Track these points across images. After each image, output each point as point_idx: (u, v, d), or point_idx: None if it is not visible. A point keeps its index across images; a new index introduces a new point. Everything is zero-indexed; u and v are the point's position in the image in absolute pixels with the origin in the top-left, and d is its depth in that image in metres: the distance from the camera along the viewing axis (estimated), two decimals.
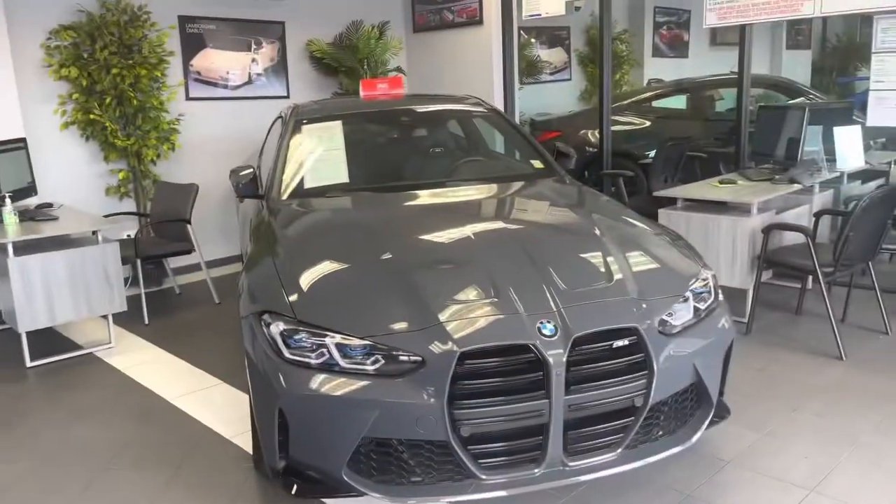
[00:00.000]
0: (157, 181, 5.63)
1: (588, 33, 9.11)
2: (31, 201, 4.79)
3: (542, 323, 2.34)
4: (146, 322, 4.84)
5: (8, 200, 4.15)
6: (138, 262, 4.87)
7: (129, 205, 5.66)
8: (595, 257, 2.70)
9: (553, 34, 8.90)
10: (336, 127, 3.97)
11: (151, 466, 3.00)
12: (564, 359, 2.27)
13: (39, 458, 3.11)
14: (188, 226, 5.06)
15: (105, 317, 4.40)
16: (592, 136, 6.88)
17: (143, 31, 5.38)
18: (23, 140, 4.78)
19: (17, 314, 3.96)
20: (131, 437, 3.28)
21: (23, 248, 3.97)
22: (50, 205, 4.76)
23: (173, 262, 5.66)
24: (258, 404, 2.56)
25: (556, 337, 2.30)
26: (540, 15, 5.87)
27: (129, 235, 5.36)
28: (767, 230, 4.02)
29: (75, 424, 3.42)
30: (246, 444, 3.13)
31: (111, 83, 5.19)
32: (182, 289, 5.66)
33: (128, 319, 4.78)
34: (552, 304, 2.41)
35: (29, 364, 4.14)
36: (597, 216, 3.11)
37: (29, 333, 4.11)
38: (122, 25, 5.25)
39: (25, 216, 4.30)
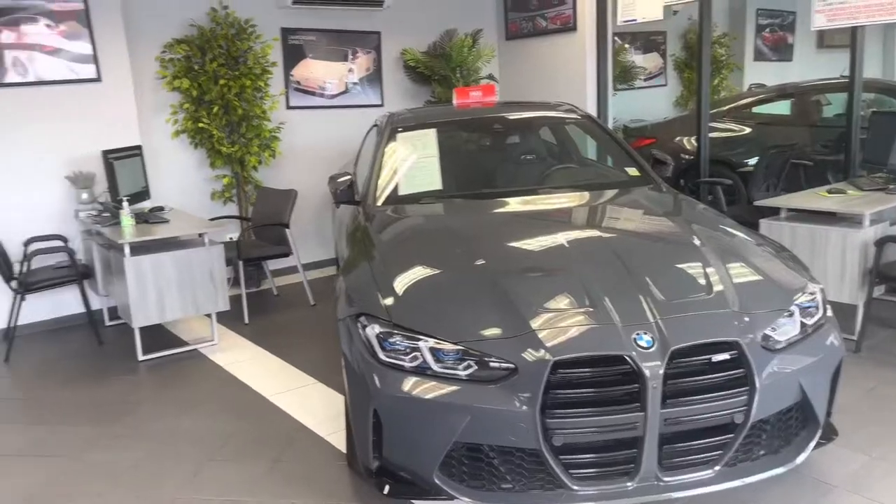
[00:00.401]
0: (258, 187, 5.88)
1: (685, 37, 8.87)
2: (145, 205, 5.10)
3: (638, 334, 2.30)
4: (246, 321, 5.06)
5: (125, 204, 4.44)
6: (240, 263, 5.10)
7: (232, 209, 5.93)
8: (694, 268, 2.63)
9: (648, 39, 8.71)
10: (430, 135, 4.03)
11: (252, 459, 3.14)
12: (661, 371, 2.23)
13: (151, 447, 3.31)
14: (286, 230, 5.26)
15: (209, 315, 4.63)
16: (688, 143, 6.69)
17: (249, 43, 5.64)
18: (139, 147, 5.11)
19: (131, 310, 4.23)
20: (232, 430, 3.43)
21: (138, 249, 4.24)
22: (161, 208, 5.05)
23: (271, 265, 5.89)
24: (354, 404, 2.63)
25: (653, 349, 2.26)
26: (636, 20, 5.77)
27: (231, 238, 5.62)
28: (881, 243, 3.80)
29: (182, 416, 3.62)
30: (339, 442, 3.22)
31: (218, 93, 5.47)
32: (279, 290, 5.88)
33: (229, 318, 5.01)
34: (649, 314, 2.37)
35: (141, 357, 4.41)
36: (696, 226, 3.03)
37: (141, 329, 4.38)
38: (230, 38, 5.53)
39: (140, 218, 4.58)
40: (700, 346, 2.32)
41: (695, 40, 6.62)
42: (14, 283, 4.49)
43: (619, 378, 2.28)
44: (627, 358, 2.25)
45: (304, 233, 6.17)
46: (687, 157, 6.61)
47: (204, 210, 5.71)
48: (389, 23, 6.58)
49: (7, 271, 4.48)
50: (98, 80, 5.05)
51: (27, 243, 4.76)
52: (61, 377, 4.23)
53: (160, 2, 5.46)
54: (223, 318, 4.87)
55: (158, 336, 4.75)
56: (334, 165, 6.18)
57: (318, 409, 3.62)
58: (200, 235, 4.48)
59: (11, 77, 4.79)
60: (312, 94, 6.35)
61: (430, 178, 3.78)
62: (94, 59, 5.03)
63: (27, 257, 4.55)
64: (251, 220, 5.67)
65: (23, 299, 4.60)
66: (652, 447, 2.27)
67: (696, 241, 2.83)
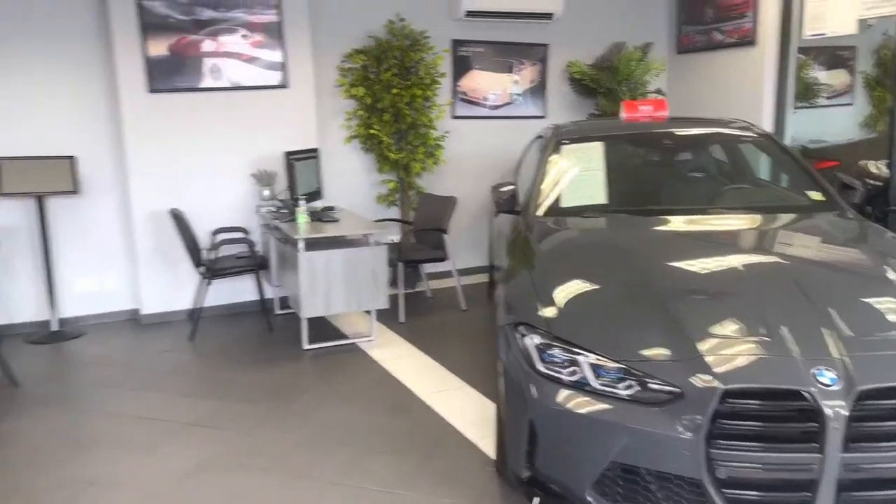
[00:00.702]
0: (419, 192, 6.09)
1: (879, 53, 8.14)
2: (317, 204, 5.44)
3: (819, 369, 2.15)
4: (401, 320, 5.25)
5: (302, 202, 4.76)
6: (399, 265, 5.31)
7: (394, 212, 6.19)
8: (888, 304, 2.42)
9: (835, 54, 8.08)
10: (596, 148, 4.00)
11: (404, 454, 3.25)
12: (846, 413, 2.07)
13: (313, 431, 3.53)
14: (444, 235, 5.40)
15: (368, 312, 4.86)
16: (875, 167, 6.13)
17: (422, 54, 5.86)
18: (315, 150, 5.47)
19: (301, 302, 4.53)
20: (387, 423, 3.58)
21: (311, 245, 4.53)
22: (332, 208, 5.36)
23: (427, 268, 6.07)
24: (509, 412, 2.66)
25: (836, 387, 2.10)
26: (825, 34, 5.39)
27: (392, 240, 5.86)
28: None
29: (342, 405, 3.82)
30: (488, 447, 3.26)
31: (390, 101, 5.73)
32: (432, 293, 6.04)
33: (386, 316, 5.23)
34: (833, 349, 2.21)
35: (305, 346, 4.70)
36: (891, 258, 2.78)
37: (307, 319, 4.67)
38: (405, 49, 5.78)
39: (314, 217, 4.90)
40: (893, 388, 2.12)
41: (889, 56, 6.07)
42: (202, 269, 4.95)
43: (795, 415, 2.14)
44: (806, 394, 2.11)
45: (459, 239, 6.30)
46: (873, 182, 6.06)
47: (368, 212, 6.00)
48: (558, 35, 6.58)
49: (197, 257, 4.95)
50: (285, 86, 5.47)
51: (215, 233, 5.25)
52: (236, 358, 4.61)
53: (343, 15, 5.82)
54: (380, 315, 5.09)
55: (321, 328, 5.04)
56: (492, 175, 6.28)
57: (467, 412, 3.68)
58: (366, 236, 4.71)
59: (209, 82, 5.29)
60: (476, 104, 6.49)
61: (594, 191, 3.75)
62: (283, 66, 5.45)
63: (215, 246, 5.00)
64: (412, 224, 5.88)
65: (209, 284, 5.06)
66: (828, 493, 2.11)
67: (891, 275, 2.60)
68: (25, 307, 5.16)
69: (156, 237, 5.30)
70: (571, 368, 2.42)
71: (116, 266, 5.40)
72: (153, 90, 5.12)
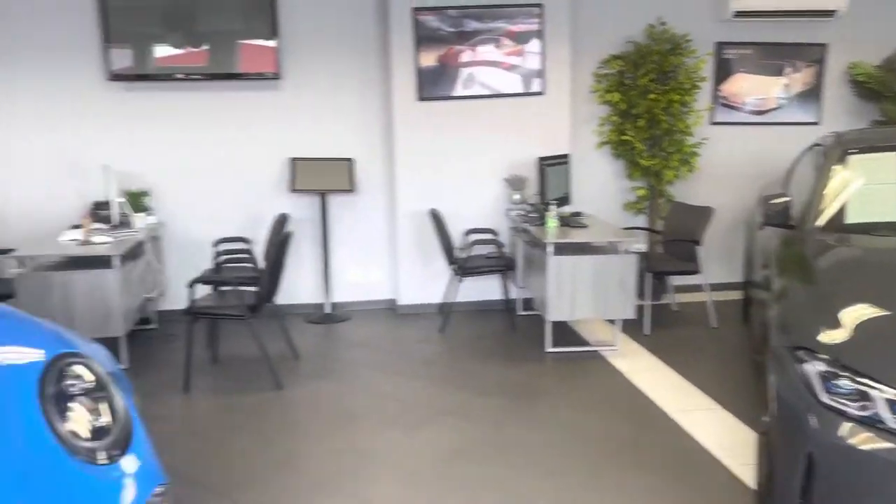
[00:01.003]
0: (669, 200, 5.88)
1: None
2: (565, 209, 5.48)
3: None
4: (646, 332, 5.11)
5: (552, 207, 4.84)
6: (648, 275, 5.17)
7: (641, 220, 6.03)
8: None
9: None
10: (893, 159, 3.56)
11: (651, 470, 3.16)
12: None
13: (557, 433, 3.57)
14: (697, 247, 5.15)
15: (612, 321, 4.80)
16: None
17: (682, 58, 5.65)
18: (567, 156, 5.52)
19: (547, 304, 4.60)
20: (631, 436, 3.51)
21: (560, 249, 4.58)
22: (580, 213, 5.38)
23: (674, 280, 5.83)
24: (782, 442, 2.47)
25: None
26: None
27: (639, 249, 5.71)
28: None
29: (584, 411, 3.82)
30: (745, 475, 3.06)
31: (646, 107, 5.60)
32: (679, 307, 5.80)
33: (630, 327, 5.11)
34: None
35: (548, 349, 4.77)
36: None
37: (552, 323, 4.74)
38: (664, 54, 5.61)
39: (563, 221, 4.95)
40: None
41: None
42: (455, 266, 5.24)
43: None
44: None
45: (710, 252, 5.97)
46: None
47: (614, 218, 5.91)
48: (839, 34, 5.96)
49: (451, 255, 5.25)
50: (542, 93, 5.60)
51: (467, 233, 5.52)
52: (481, 353, 4.81)
53: (602, 21, 5.80)
54: (624, 325, 4.99)
55: (562, 332, 5.06)
56: (751, 185, 5.85)
57: (720, 434, 3.48)
58: (613, 243, 4.66)
59: (465, 90, 5.55)
60: (737, 109, 6.11)
61: (888, 207, 3.35)
62: (541, 74, 5.57)
63: (467, 245, 5.27)
64: (662, 234, 5.69)
65: (460, 281, 5.34)
66: None
67: None
68: (306, 290, 5.86)
69: (415, 235, 5.71)
70: (862, 403, 2.19)
71: (380, 259, 5.91)
72: (421, 98, 5.52)
